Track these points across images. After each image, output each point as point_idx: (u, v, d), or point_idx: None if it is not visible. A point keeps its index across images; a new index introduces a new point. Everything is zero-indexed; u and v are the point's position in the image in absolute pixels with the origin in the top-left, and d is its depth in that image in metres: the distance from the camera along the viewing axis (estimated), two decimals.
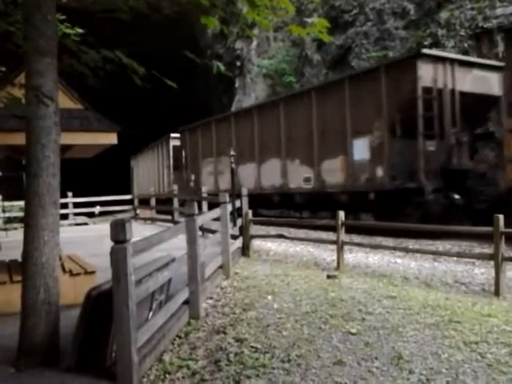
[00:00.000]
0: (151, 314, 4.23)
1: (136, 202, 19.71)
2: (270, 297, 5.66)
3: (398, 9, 17.35)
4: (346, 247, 8.12)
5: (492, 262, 6.23)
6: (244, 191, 10.28)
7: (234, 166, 13.65)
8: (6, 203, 15.95)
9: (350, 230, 9.13)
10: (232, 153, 15.21)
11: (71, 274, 5.70)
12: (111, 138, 8.16)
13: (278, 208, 15.45)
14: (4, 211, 14.82)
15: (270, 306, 5.26)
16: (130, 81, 4.56)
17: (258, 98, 22.32)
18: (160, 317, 4.11)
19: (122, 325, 3.25)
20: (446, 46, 14.88)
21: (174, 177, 22.21)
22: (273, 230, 11.17)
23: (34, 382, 3.52)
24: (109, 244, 3.30)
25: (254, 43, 23.36)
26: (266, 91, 22.53)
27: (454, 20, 15.21)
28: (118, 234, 3.24)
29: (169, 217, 16.73)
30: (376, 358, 3.70)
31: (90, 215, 20.01)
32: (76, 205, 18.91)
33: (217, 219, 7.71)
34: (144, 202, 20.46)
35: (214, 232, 9.21)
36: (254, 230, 9.84)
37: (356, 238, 10.14)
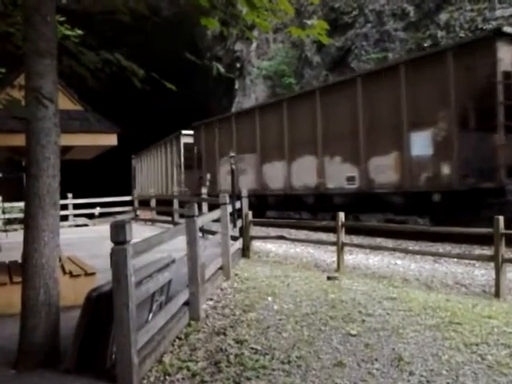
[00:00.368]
0: (151, 315, 4.23)
1: (136, 203, 19.69)
2: (270, 298, 5.66)
3: (398, 10, 17.36)
4: (346, 248, 8.12)
5: (492, 264, 6.23)
6: (244, 192, 10.28)
7: (233, 167, 13.68)
8: (6, 204, 15.95)
9: (350, 231, 9.14)
10: (231, 154, 15.17)
11: (71, 275, 5.69)
12: (111, 140, 8.15)
13: (311, 210, 14.04)
14: (4, 212, 14.82)
15: (270, 308, 5.26)
16: (129, 82, 4.56)
17: (258, 99, 22.33)
18: (160, 318, 4.10)
19: (122, 326, 3.25)
20: None
21: (185, 176, 21.17)
22: (273, 232, 11.16)
23: None
24: (109, 245, 3.30)
25: (254, 45, 23.38)
26: (265, 92, 22.55)
27: (453, 21, 15.22)
28: (118, 236, 3.24)
29: (169, 218, 16.72)
30: (376, 360, 3.70)
31: (90, 216, 20.00)
32: (76, 206, 18.89)
33: (217, 220, 7.70)
34: (148, 204, 19.92)
35: (214, 233, 9.21)
36: (255, 231, 9.84)
37: (356, 239, 10.14)
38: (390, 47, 17.27)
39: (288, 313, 5.03)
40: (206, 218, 7.41)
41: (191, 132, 20.68)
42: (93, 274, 5.78)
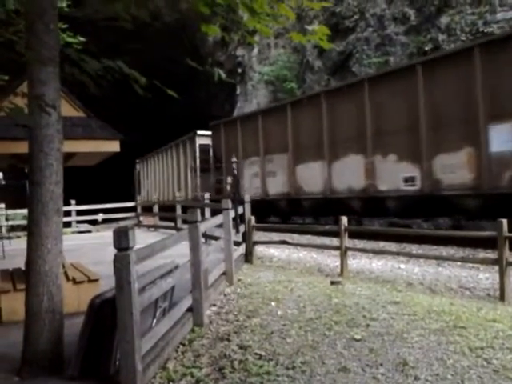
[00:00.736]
0: (155, 321, 4.22)
1: (139, 209, 19.70)
2: (273, 303, 5.65)
3: (399, 14, 17.40)
4: (349, 253, 8.10)
5: (496, 267, 6.20)
6: (247, 197, 10.28)
7: (235, 172, 13.67)
8: (10, 211, 15.97)
9: (353, 235, 9.11)
10: (234, 159, 15.12)
11: (75, 281, 5.69)
12: (114, 146, 8.19)
13: (357, 215, 12.42)
14: (7, 219, 14.84)
15: (273, 313, 5.25)
16: (131, 89, 4.58)
17: (260, 104, 22.36)
18: (164, 324, 4.10)
19: (126, 332, 3.24)
20: None
21: (200, 180, 19.63)
22: (276, 236, 11.15)
23: None
24: (112, 251, 3.30)
25: (255, 50, 23.45)
26: (267, 97, 22.58)
27: (454, 25, 15.24)
28: (121, 242, 3.24)
29: (172, 224, 16.74)
30: (381, 365, 3.68)
31: (93, 223, 20.03)
32: (79, 212, 18.94)
33: (220, 226, 7.70)
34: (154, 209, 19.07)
35: (217, 239, 9.20)
36: (257, 236, 9.83)
37: (359, 244, 10.11)
38: (392, 51, 17.30)
39: (292, 318, 5.02)
40: (208, 224, 7.42)
41: (207, 132, 19.40)
42: (96, 280, 5.78)
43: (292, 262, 9.33)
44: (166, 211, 18.37)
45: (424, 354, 3.85)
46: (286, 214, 15.02)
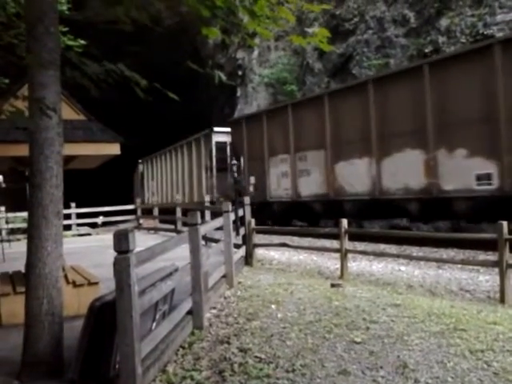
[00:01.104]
0: (155, 324, 4.22)
1: (139, 212, 19.71)
2: (273, 306, 5.64)
3: (399, 17, 17.43)
4: (349, 255, 8.10)
5: (497, 269, 6.20)
6: (246, 200, 10.28)
7: (235, 175, 13.66)
8: (10, 214, 15.98)
9: (353, 237, 9.11)
10: (234, 162, 15.04)
11: (74, 284, 5.69)
12: (114, 149, 8.20)
13: (415, 218, 11.10)
14: (7, 222, 14.85)
15: (273, 316, 5.24)
16: (131, 91, 4.58)
17: (260, 106, 22.39)
18: (163, 327, 4.09)
19: (126, 335, 3.24)
20: None
21: (217, 181, 18.24)
22: (276, 239, 11.15)
23: None
24: (112, 254, 3.30)
25: (256, 52, 23.48)
26: (267, 100, 22.61)
27: (454, 27, 15.26)
28: (121, 245, 3.24)
29: (172, 226, 16.73)
30: (381, 367, 3.68)
31: (93, 225, 20.04)
32: (79, 215, 18.93)
33: (220, 228, 7.70)
34: (164, 212, 18.20)
35: (217, 241, 9.20)
36: (257, 238, 9.83)
37: (359, 246, 10.11)
38: (392, 53, 17.32)
39: (292, 321, 5.02)
40: (208, 226, 7.42)
41: (225, 129, 18.07)
42: (96, 283, 5.79)
43: (292, 265, 9.33)
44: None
45: (424, 356, 3.85)
46: (321, 217, 13.40)
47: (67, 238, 14.06)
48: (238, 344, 4.40)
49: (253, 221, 9.61)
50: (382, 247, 9.90)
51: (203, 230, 5.90)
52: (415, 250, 9.29)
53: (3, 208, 15.54)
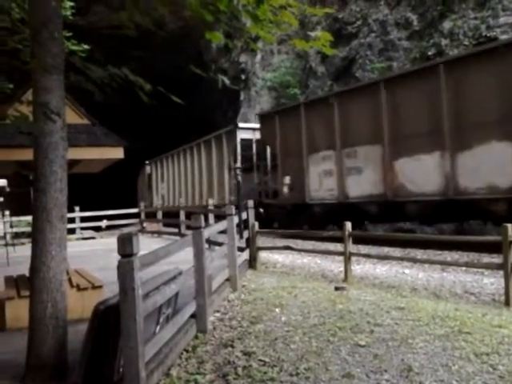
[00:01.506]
0: (158, 327, 4.22)
1: (143, 216, 19.74)
2: (277, 309, 5.64)
3: (401, 20, 17.44)
4: (353, 258, 8.08)
5: (501, 272, 6.18)
6: (250, 203, 10.28)
7: (239, 178, 13.57)
8: (14, 218, 16.06)
9: (357, 240, 9.09)
10: (237, 165, 14.88)
11: (79, 288, 5.71)
12: (118, 153, 8.23)
13: (500, 222, 8.90)
14: (12, 226, 14.91)
15: (277, 319, 5.23)
16: (135, 95, 4.60)
17: (263, 110, 22.42)
18: (167, 331, 4.09)
19: (130, 339, 3.24)
20: None
21: (242, 182, 17.22)
22: (280, 242, 11.14)
23: None
24: (116, 258, 3.31)
25: (259, 56, 23.54)
26: (270, 103, 22.64)
27: (457, 30, 15.26)
28: (125, 248, 3.25)
29: (175, 230, 16.75)
30: (385, 371, 3.66)
31: (97, 229, 20.09)
32: (83, 219, 19.00)
33: (223, 231, 7.71)
34: (173, 216, 17.18)
35: (220, 244, 9.20)
36: (261, 241, 9.82)
37: (363, 249, 10.09)
38: (395, 56, 17.33)
39: (296, 324, 5.01)
40: (212, 230, 7.42)
41: (251, 125, 17.05)
42: (100, 286, 5.80)
43: (296, 268, 9.32)
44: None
45: (429, 359, 3.83)
46: (374, 219, 12.19)
47: (71, 241, 14.11)
48: (241, 347, 4.39)
49: (256, 224, 9.61)
50: (385, 250, 9.88)
51: (207, 233, 5.91)
52: (419, 253, 9.26)
53: (8, 212, 15.60)
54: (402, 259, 8.34)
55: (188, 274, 5.02)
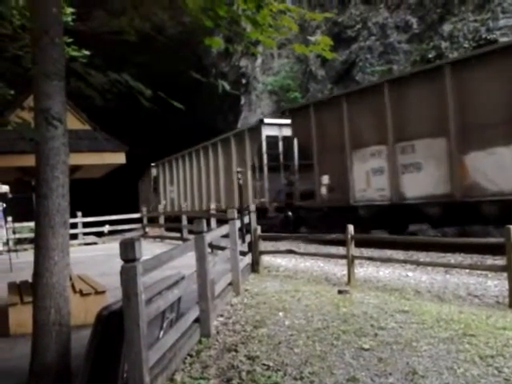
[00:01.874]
0: (162, 332, 4.21)
1: (145, 221, 19.74)
2: (281, 313, 5.62)
3: (401, 23, 17.48)
4: (356, 261, 8.06)
5: (505, 274, 6.15)
6: (252, 207, 10.27)
7: (241, 182, 13.45)
8: (16, 224, 16.05)
9: (360, 243, 9.07)
10: (238, 169, 14.65)
11: (82, 294, 5.70)
12: (120, 158, 8.22)
13: None
14: (14, 232, 14.91)
15: (281, 323, 5.22)
16: (135, 100, 4.61)
17: (264, 114, 22.45)
18: (171, 336, 4.08)
19: (133, 344, 3.24)
20: None
21: (268, 183, 15.51)
22: (282, 246, 11.12)
23: None
24: (118, 263, 3.30)
25: (259, 60, 23.60)
26: (271, 107, 22.68)
27: (457, 32, 15.28)
28: (128, 253, 3.25)
29: (178, 234, 16.75)
30: (390, 374, 3.65)
31: (100, 234, 20.09)
32: (85, 224, 19.01)
33: (225, 236, 7.70)
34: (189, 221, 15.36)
35: (223, 249, 9.19)
36: (264, 245, 9.81)
37: (366, 252, 10.06)
38: (395, 59, 17.36)
39: (299, 328, 4.99)
40: (214, 234, 7.42)
41: (277, 120, 15.77)
42: (103, 292, 5.79)
43: (299, 272, 9.30)
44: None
45: (433, 362, 3.82)
46: (437, 223, 10.99)
47: (74, 247, 14.10)
48: (245, 352, 4.38)
49: (259, 228, 9.60)
50: (388, 253, 9.86)
51: (209, 237, 5.91)
52: (422, 256, 9.24)
53: (10, 218, 15.61)
54: (405, 262, 8.32)
55: (191, 278, 5.01)
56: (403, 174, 10.86)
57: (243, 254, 8.88)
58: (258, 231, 9.54)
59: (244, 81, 23.96)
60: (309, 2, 20.23)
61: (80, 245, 17.70)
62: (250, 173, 16.07)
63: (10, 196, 13.45)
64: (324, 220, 12.38)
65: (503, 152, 9.08)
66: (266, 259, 9.98)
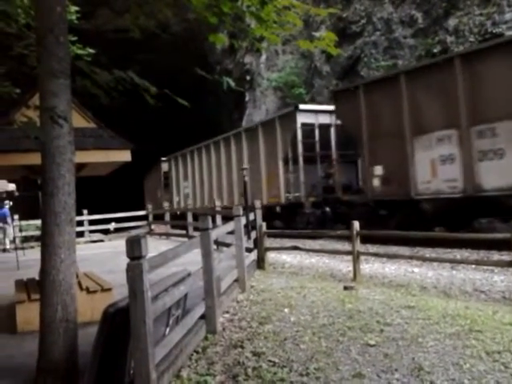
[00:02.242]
0: (168, 329, 4.23)
1: (150, 218, 19.78)
2: (286, 310, 5.63)
3: (406, 17, 17.38)
4: (362, 257, 8.05)
5: (511, 269, 6.13)
6: (257, 204, 10.27)
7: (246, 179, 13.31)
8: (23, 222, 16.16)
9: (365, 239, 9.04)
10: (244, 166, 14.52)
11: (88, 291, 5.73)
12: (125, 156, 8.22)
13: None
14: (21, 230, 15.01)
15: (286, 319, 5.23)
16: (140, 98, 4.62)
17: (269, 111, 22.41)
18: (177, 332, 4.10)
19: (140, 341, 3.25)
20: None
21: (304, 176, 14.05)
22: (288, 242, 11.12)
23: None
24: (125, 260, 3.32)
25: (264, 57, 23.54)
26: (276, 104, 22.64)
27: (462, 26, 15.18)
28: (134, 251, 3.26)
29: (183, 231, 16.78)
30: (396, 370, 3.65)
31: (106, 232, 20.17)
32: (91, 222, 19.09)
33: (231, 232, 7.71)
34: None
35: (228, 245, 9.21)
36: (269, 242, 9.81)
37: (372, 248, 10.04)
38: (400, 54, 17.27)
39: (305, 324, 5.00)
40: (220, 231, 7.43)
41: (312, 107, 14.75)
42: (109, 289, 5.82)
43: (304, 268, 9.30)
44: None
45: (440, 358, 3.81)
46: None
47: (80, 244, 14.17)
48: (251, 348, 4.39)
49: (264, 224, 9.60)
50: (394, 249, 9.83)
51: (215, 234, 5.92)
52: (428, 252, 9.21)
53: (17, 216, 15.71)
54: (411, 258, 8.29)
55: (197, 275, 5.03)
56: (480, 161, 9.38)
57: (249, 250, 8.89)
58: (264, 228, 9.55)
59: (248, 77, 23.92)
60: None
61: (86, 242, 17.79)
62: (281, 164, 14.76)
63: (16, 194, 13.52)
64: (372, 216, 11.10)
65: None
66: (271, 256, 9.99)
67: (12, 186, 13.15)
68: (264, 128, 15.81)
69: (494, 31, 13.97)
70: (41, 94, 4.03)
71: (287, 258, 10.46)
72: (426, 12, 16.75)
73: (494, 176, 9.20)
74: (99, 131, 7.61)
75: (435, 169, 10.22)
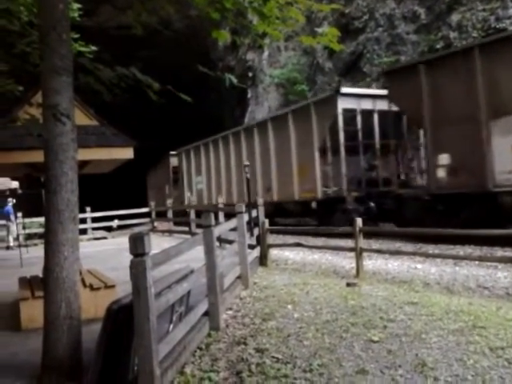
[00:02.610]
0: (171, 326, 4.24)
1: (153, 215, 19.79)
2: (289, 306, 5.63)
3: (409, 13, 17.32)
4: (364, 254, 8.05)
5: None
6: (260, 201, 10.27)
7: (248, 176, 13.29)
8: (26, 220, 16.20)
9: (368, 235, 9.04)
10: (246, 163, 14.43)
11: (92, 288, 5.74)
12: (128, 153, 8.23)
13: None
14: (24, 228, 15.05)
15: (290, 316, 5.23)
16: (143, 95, 4.62)
17: (271, 107, 22.39)
18: (180, 329, 4.11)
19: (143, 338, 3.26)
20: None
21: (346, 167, 12.69)
22: (290, 239, 11.12)
23: None
24: (128, 257, 3.32)
25: (266, 53, 23.51)
26: (278, 100, 22.61)
27: (465, 22, 15.12)
28: (137, 248, 3.26)
29: (186, 228, 16.80)
30: (399, 366, 3.65)
31: (109, 229, 20.20)
32: (94, 219, 19.12)
33: (234, 229, 7.71)
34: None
35: (231, 242, 9.22)
36: (272, 239, 9.82)
37: (375, 244, 10.04)
38: (402, 50, 17.22)
39: (308, 320, 5.00)
40: (223, 228, 7.43)
41: (355, 91, 13.52)
42: (113, 286, 5.83)
43: (307, 265, 9.30)
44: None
45: (443, 354, 3.81)
46: None
47: (83, 242, 14.21)
48: (254, 344, 4.40)
49: (267, 221, 9.60)
50: (397, 245, 9.83)
51: (217, 231, 5.92)
52: (431, 248, 9.20)
53: (20, 214, 15.75)
54: (413, 254, 8.29)
55: (200, 272, 5.03)
56: None
57: (251, 247, 8.90)
58: (266, 225, 9.55)
59: (251, 74, 23.89)
60: None
61: (89, 240, 17.83)
62: (317, 155, 13.40)
63: (19, 192, 13.54)
64: (429, 212, 10.13)
65: None
66: (273, 252, 10.00)
67: (15, 184, 13.16)
68: (295, 115, 14.32)
69: (497, 26, 13.91)
70: (43, 92, 4.03)
71: (290, 254, 10.46)
72: (428, 8, 16.69)
73: None
74: (102, 128, 7.61)
75: None
